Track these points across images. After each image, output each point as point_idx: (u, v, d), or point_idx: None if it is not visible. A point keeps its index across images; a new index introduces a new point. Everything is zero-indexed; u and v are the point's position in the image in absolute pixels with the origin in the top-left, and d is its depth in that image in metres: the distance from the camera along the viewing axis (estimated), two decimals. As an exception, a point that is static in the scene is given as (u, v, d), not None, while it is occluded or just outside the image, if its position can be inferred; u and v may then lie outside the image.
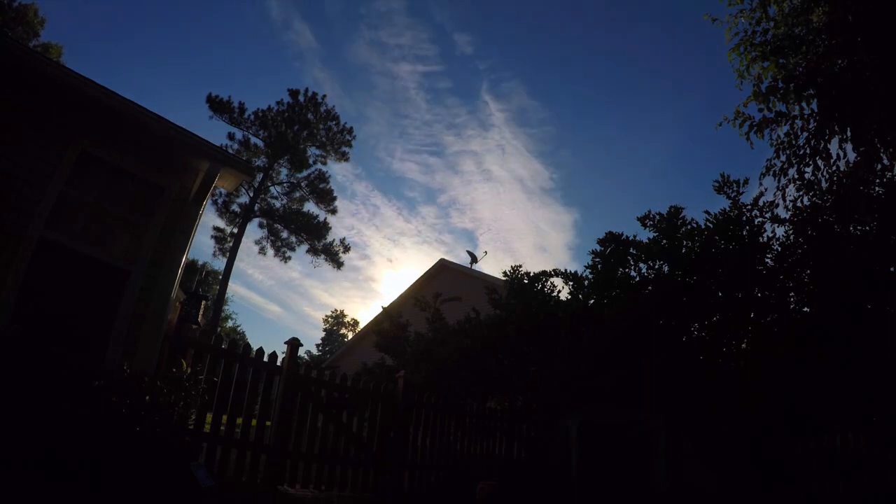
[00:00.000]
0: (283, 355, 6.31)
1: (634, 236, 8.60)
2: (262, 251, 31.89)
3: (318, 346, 58.09)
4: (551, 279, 9.56)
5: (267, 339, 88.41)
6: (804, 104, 8.02)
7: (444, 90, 53.06)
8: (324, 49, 53.36)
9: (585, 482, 7.11)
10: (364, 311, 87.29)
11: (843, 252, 7.01)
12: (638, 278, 8.42)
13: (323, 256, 31.53)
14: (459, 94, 53.28)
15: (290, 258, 32.01)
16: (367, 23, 47.28)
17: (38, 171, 5.14)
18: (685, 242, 8.11)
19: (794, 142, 8.08)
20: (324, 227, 31.05)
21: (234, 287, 67.99)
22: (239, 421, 5.78)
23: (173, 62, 61.84)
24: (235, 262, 28.70)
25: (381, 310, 12.92)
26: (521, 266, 9.87)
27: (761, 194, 8.01)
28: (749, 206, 7.95)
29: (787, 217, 7.81)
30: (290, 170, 31.04)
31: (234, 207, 29.96)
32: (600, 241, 8.67)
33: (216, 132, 54.92)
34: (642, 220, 8.54)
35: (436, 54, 48.76)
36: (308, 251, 31.56)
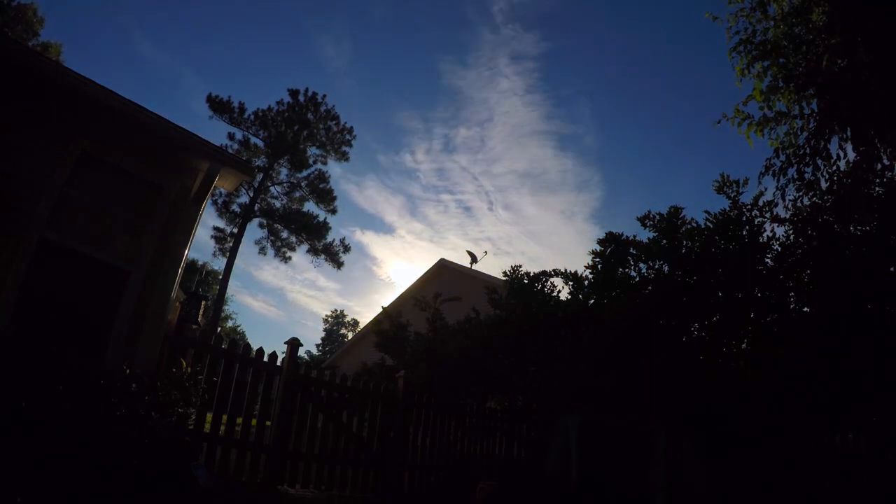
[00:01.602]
0: (283, 355, 6.31)
1: (634, 236, 8.58)
2: (262, 251, 31.91)
3: (318, 346, 58.15)
4: (551, 279, 9.53)
5: (267, 339, 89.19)
6: (804, 104, 8.02)
7: (470, 207, 74.37)
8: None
9: (585, 482, 7.11)
10: (365, 310, 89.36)
11: (843, 252, 7.01)
12: (638, 278, 8.41)
13: (323, 256, 31.52)
14: (481, 208, 72.53)
15: (290, 258, 32.02)
16: (422, 174, 66.63)
17: (38, 171, 5.14)
18: (685, 242, 8.10)
19: (793, 141, 8.08)
20: (324, 227, 31.02)
21: (234, 287, 70.34)
22: (239, 421, 5.78)
23: (174, 61, 61.86)
24: (235, 262, 28.72)
25: (381, 310, 12.92)
26: (520, 266, 9.86)
27: (761, 194, 7.99)
28: (749, 206, 7.94)
29: (787, 217, 7.81)
30: (290, 170, 31.02)
31: (234, 207, 29.94)
32: (600, 241, 8.65)
33: (216, 132, 55.21)
34: (642, 220, 8.53)
35: (469, 189, 69.21)
36: (308, 251, 31.58)
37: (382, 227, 78.02)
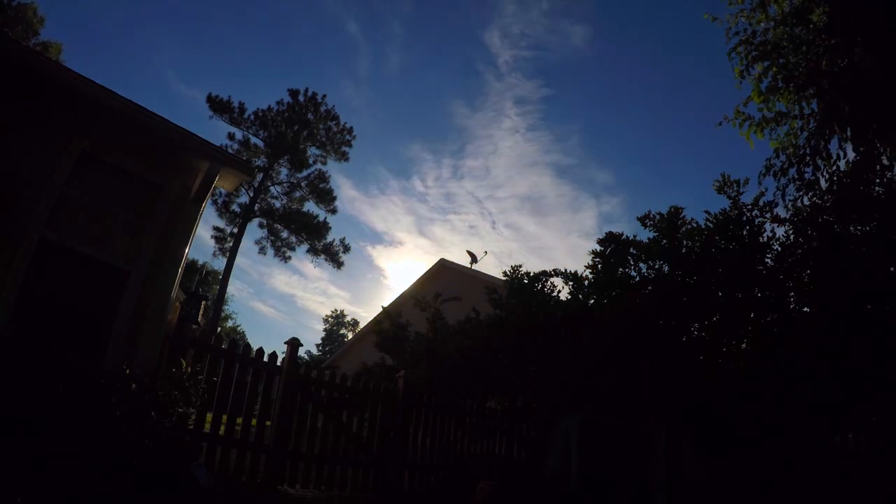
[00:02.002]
0: (283, 355, 6.31)
1: (634, 236, 8.58)
2: (262, 251, 31.91)
3: (318, 346, 58.15)
4: (551, 279, 9.53)
5: (267, 340, 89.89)
6: (804, 104, 8.01)
7: (474, 226, 73.60)
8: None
9: (585, 482, 7.11)
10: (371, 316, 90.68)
11: (842, 252, 7.01)
12: (638, 278, 8.40)
13: (323, 256, 31.52)
14: (485, 226, 73.76)
15: (290, 258, 32.02)
16: (430, 198, 68.68)
17: (38, 171, 5.14)
18: (685, 242, 8.10)
19: (794, 142, 8.08)
20: (324, 227, 31.02)
21: (234, 287, 71.43)
22: (239, 421, 5.77)
23: (173, 61, 61.88)
24: (235, 262, 28.73)
25: (381, 309, 12.91)
26: (521, 266, 9.85)
27: (762, 194, 7.99)
28: (749, 206, 7.94)
29: (787, 217, 7.81)
30: (290, 170, 31.02)
31: (234, 207, 29.94)
32: (600, 241, 8.64)
33: (216, 132, 55.44)
34: (642, 220, 8.52)
35: (474, 211, 72.50)
36: (308, 251, 31.58)
37: (392, 242, 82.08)
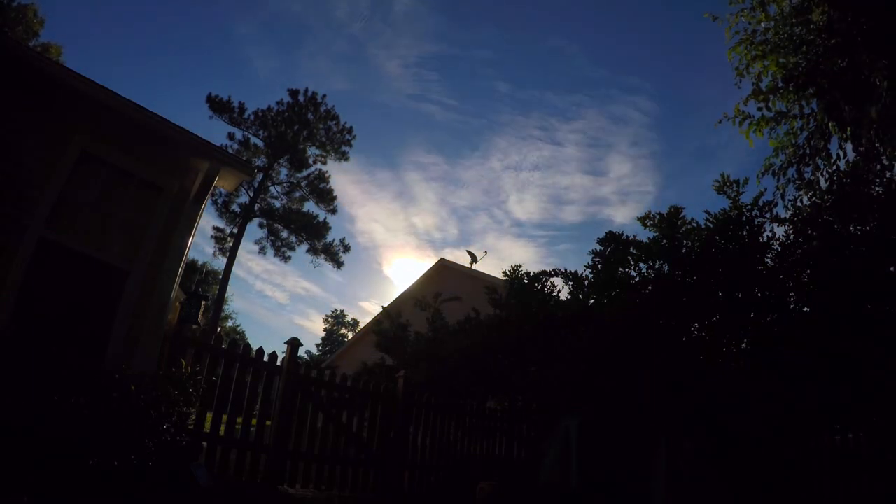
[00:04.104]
0: (283, 355, 6.31)
1: (634, 236, 8.56)
2: (262, 251, 31.92)
3: (318, 346, 58.16)
4: (551, 279, 9.50)
5: (267, 339, 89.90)
6: (804, 103, 8.01)
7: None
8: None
9: (585, 483, 7.11)
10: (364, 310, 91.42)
11: (843, 252, 7.01)
12: (638, 278, 8.39)
13: (323, 256, 31.54)
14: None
15: (290, 258, 32.04)
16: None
17: (38, 171, 5.14)
18: (685, 242, 8.09)
19: (793, 141, 8.08)
20: (324, 227, 31.03)
21: (234, 287, 71.70)
22: (239, 421, 5.78)
23: (173, 62, 61.93)
24: (235, 262, 28.74)
25: (381, 309, 12.91)
26: (521, 266, 9.84)
27: (761, 194, 7.98)
28: (749, 206, 7.94)
29: (787, 217, 7.81)
30: (290, 170, 31.04)
31: (234, 207, 29.94)
32: (600, 241, 8.63)
33: (216, 132, 55.54)
34: (642, 220, 8.51)
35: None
36: (308, 251, 31.59)
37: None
